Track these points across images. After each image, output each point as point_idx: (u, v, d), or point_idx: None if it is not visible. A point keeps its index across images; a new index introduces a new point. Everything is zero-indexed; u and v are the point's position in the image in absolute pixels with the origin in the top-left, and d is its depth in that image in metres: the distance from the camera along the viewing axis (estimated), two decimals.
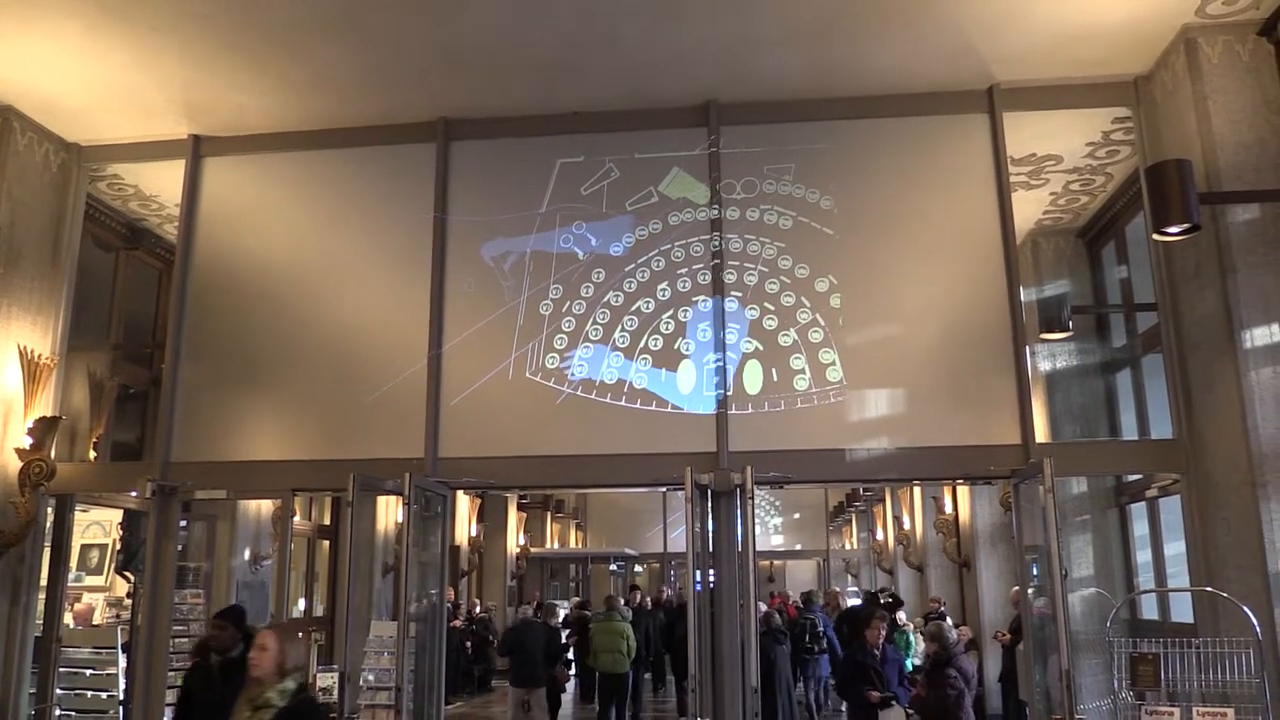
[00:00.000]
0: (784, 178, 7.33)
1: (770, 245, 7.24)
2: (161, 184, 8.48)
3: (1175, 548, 8.02)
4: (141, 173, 8.39)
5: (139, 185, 8.58)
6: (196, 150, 7.91)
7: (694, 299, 7.21)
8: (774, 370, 7.07)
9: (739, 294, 7.18)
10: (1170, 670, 5.74)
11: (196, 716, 5.34)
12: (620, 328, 7.22)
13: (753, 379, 7.05)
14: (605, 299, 7.28)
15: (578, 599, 18.92)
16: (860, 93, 7.31)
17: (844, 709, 9.66)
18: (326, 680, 9.83)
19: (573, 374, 7.18)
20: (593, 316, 7.27)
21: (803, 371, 7.05)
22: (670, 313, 7.22)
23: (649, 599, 15.50)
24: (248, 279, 7.72)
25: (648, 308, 7.24)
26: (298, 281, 7.66)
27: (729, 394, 7.02)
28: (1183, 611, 7.91)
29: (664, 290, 7.25)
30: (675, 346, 7.16)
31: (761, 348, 7.10)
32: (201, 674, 5.43)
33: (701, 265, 7.25)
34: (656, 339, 7.18)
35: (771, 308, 7.15)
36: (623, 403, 7.12)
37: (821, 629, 12.28)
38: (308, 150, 7.85)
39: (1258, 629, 5.52)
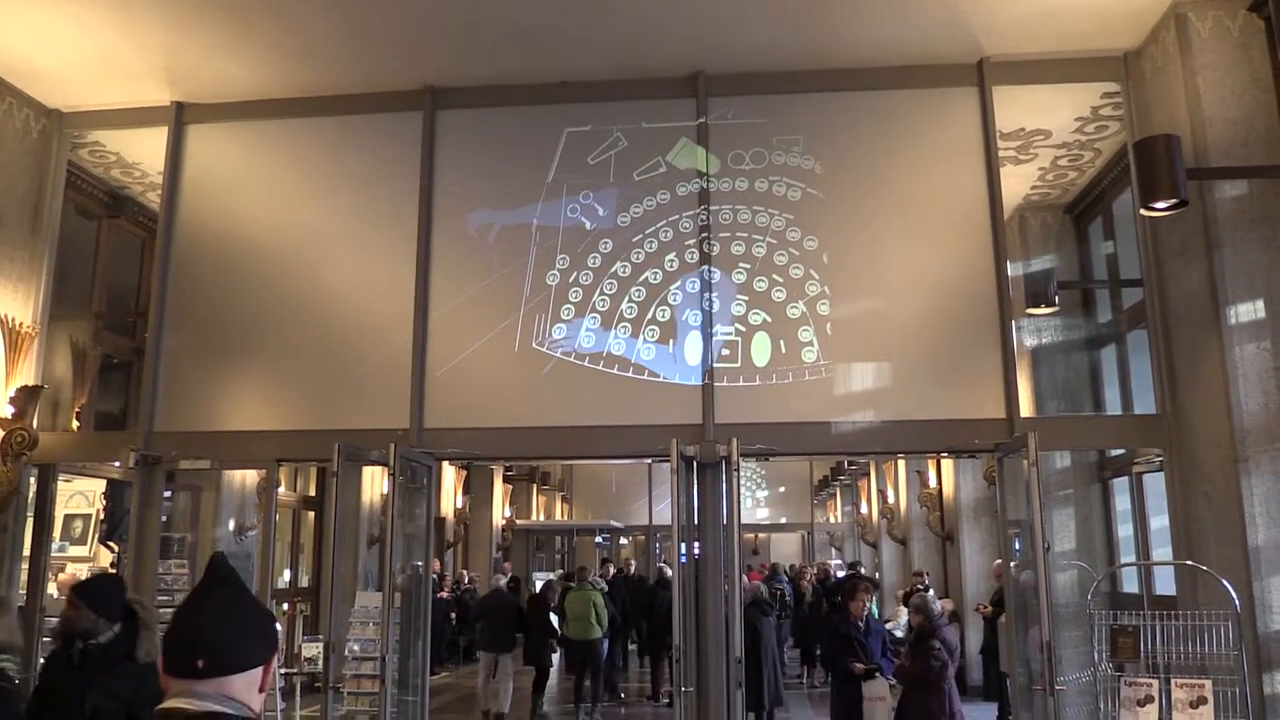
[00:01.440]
0: (792, 149, 7.28)
1: (763, 213, 7.20)
2: (144, 151, 8.38)
3: (1158, 522, 8.08)
4: (123, 140, 8.29)
5: (121, 152, 8.48)
6: (179, 117, 7.81)
7: (696, 270, 7.18)
8: (758, 342, 7.06)
9: (725, 268, 7.15)
10: (1150, 642, 5.81)
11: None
12: (620, 299, 7.18)
13: (747, 351, 7.03)
14: (585, 271, 7.24)
15: (562, 571, 19.01)
16: (850, 65, 7.27)
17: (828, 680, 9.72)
18: (311, 650, 9.88)
19: (571, 346, 7.15)
20: (580, 288, 7.23)
21: (788, 344, 7.04)
22: (660, 284, 7.18)
23: (620, 570, 15.78)
24: (232, 248, 7.65)
25: (655, 279, 7.20)
26: (282, 250, 7.60)
27: (714, 366, 7.01)
28: (1164, 585, 7.99)
29: (672, 262, 7.21)
30: (660, 317, 7.14)
31: (768, 319, 7.08)
32: (57, 666, 4.08)
33: (708, 237, 7.19)
34: (663, 309, 7.15)
35: (762, 280, 7.13)
36: (615, 370, 7.09)
37: (789, 598, 12.54)
38: (293, 118, 7.76)
39: (1236, 602, 5.58)
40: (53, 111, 7.88)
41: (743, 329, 7.08)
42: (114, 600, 4.13)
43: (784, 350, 7.03)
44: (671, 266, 7.20)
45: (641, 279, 7.20)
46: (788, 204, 7.22)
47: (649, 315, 7.15)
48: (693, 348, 7.06)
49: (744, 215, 7.22)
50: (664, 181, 7.31)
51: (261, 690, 1.88)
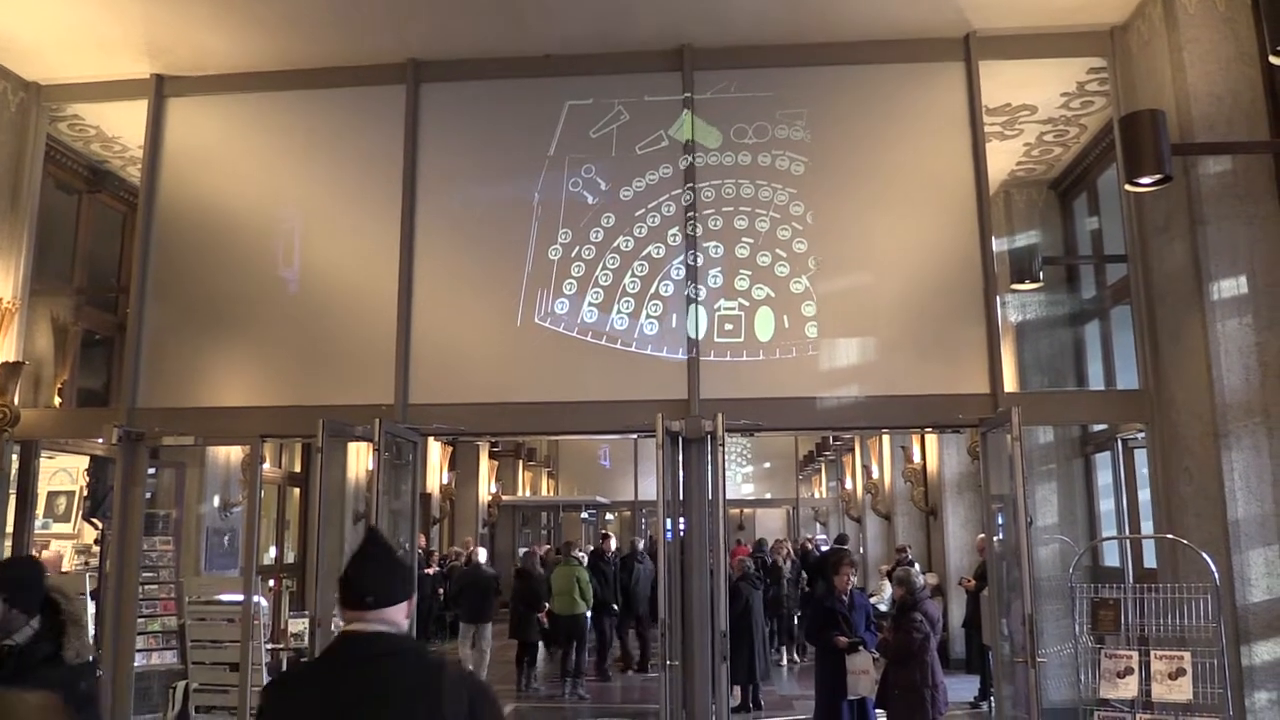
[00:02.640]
0: (795, 123, 7.25)
1: (748, 186, 7.18)
2: (124, 125, 8.27)
3: (1138, 496, 8.16)
4: (103, 113, 8.18)
5: (100, 126, 8.38)
6: (159, 90, 7.72)
7: (682, 246, 7.16)
8: (744, 317, 7.06)
9: (711, 242, 7.13)
10: (1130, 615, 5.87)
11: None
12: (620, 273, 7.15)
13: (731, 325, 7.03)
14: (586, 246, 7.22)
15: (549, 546, 19.08)
16: (836, 39, 7.23)
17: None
18: (298, 626, 9.89)
19: (557, 322, 7.13)
20: (572, 263, 7.21)
21: (774, 319, 7.04)
22: (651, 260, 7.16)
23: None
24: (214, 222, 7.58)
25: (656, 253, 7.18)
26: (265, 224, 7.53)
27: (699, 340, 7.00)
28: (1145, 558, 8.07)
29: (662, 242, 7.19)
30: (654, 291, 7.13)
31: (756, 293, 7.08)
32: None
33: (694, 215, 7.17)
34: (667, 285, 7.13)
35: (745, 252, 7.13)
36: (604, 342, 7.08)
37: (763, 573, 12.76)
38: (274, 91, 7.68)
39: (1215, 575, 5.65)
40: (31, 84, 7.77)
41: (733, 304, 7.07)
42: (30, 590, 3.48)
43: (770, 325, 7.03)
44: (661, 247, 7.17)
45: (640, 254, 7.17)
46: (775, 176, 7.19)
47: (634, 290, 7.13)
48: (682, 323, 7.04)
49: (728, 190, 7.19)
50: (665, 156, 7.26)
51: (406, 618, 2.69)
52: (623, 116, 7.37)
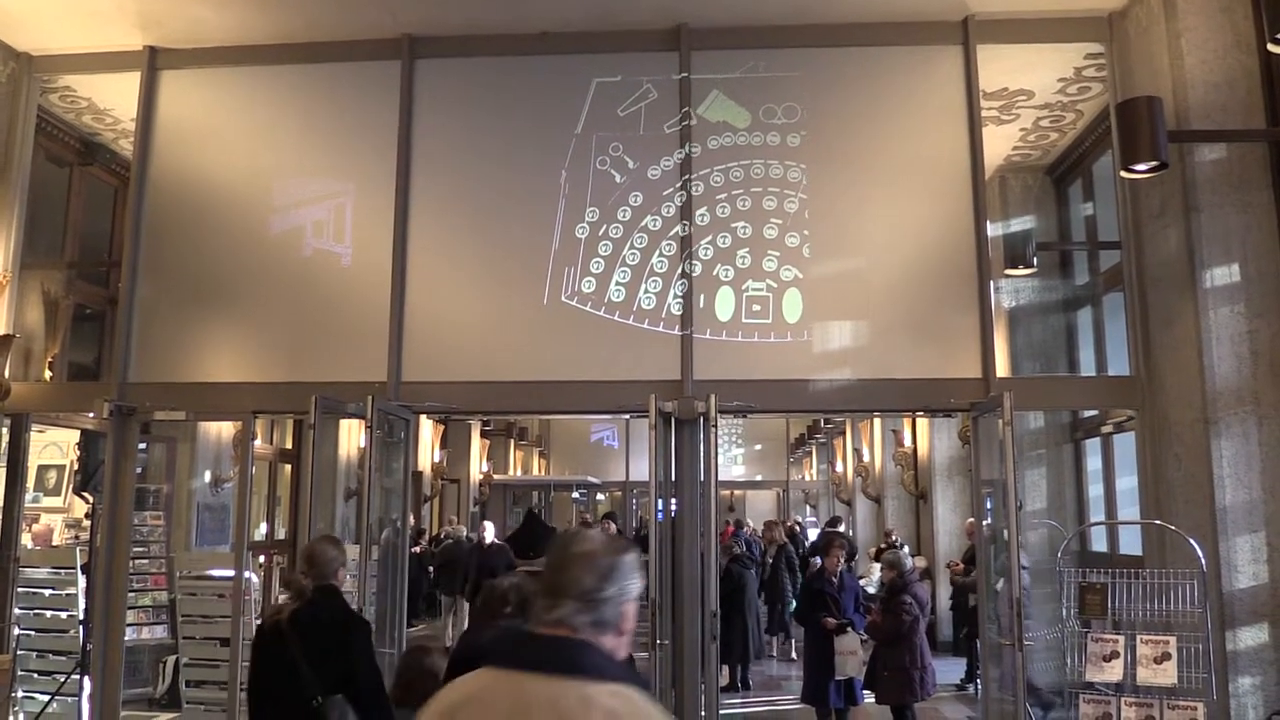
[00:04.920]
0: (780, 104, 7.22)
1: (736, 169, 7.17)
2: (116, 97, 8.21)
3: (1126, 483, 8.20)
4: (95, 85, 8.12)
5: (92, 98, 8.31)
6: (152, 62, 7.65)
7: (677, 224, 7.14)
8: (738, 299, 7.05)
9: (704, 224, 7.12)
10: (1117, 599, 5.91)
11: None
12: (617, 248, 7.13)
13: (724, 306, 7.01)
14: (581, 225, 7.19)
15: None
16: (834, 20, 7.20)
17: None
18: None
19: (545, 300, 7.12)
20: (571, 242, 7.19)
21: (767, 301, 7.04)
22: (649, 234, 7.15)
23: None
24: (206, 196, 7.53)
25: (651, 226, 7.16)
26: (258, 199, 7.49)
27: (693, 319, 7.00)
28: (1131, 544, 8.13)
29: (658, 213, 7.17)
30: (655, 268, 7.12)
31: (747, 275, 7.07)
32: None
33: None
34: (662, 262, 7.12)
35: (744, 236, 7.12)
36: (601, 313, 7.06)
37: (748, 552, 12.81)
38: (268, 65, 7.62)
39: (1202, 561, 5.69)
40: (21, 55, 7.70)
41: (761, 286, 7.06)
42: None
43: (759, 307, 7.02)
44: (658, 220, 7.15)
45: (637, 227, 7.14)
46: (769, 154, 7.17)
47: (634, 261, 7.12)
48: (672, 300, 7.04)
49: (717, 179, 7.17)
50: (664, 143, 7.23)
51: None
52: (650, 95, 7.33)
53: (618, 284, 7.10)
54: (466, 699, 1.98)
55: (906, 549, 11.65)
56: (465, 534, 13.93)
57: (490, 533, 13.32)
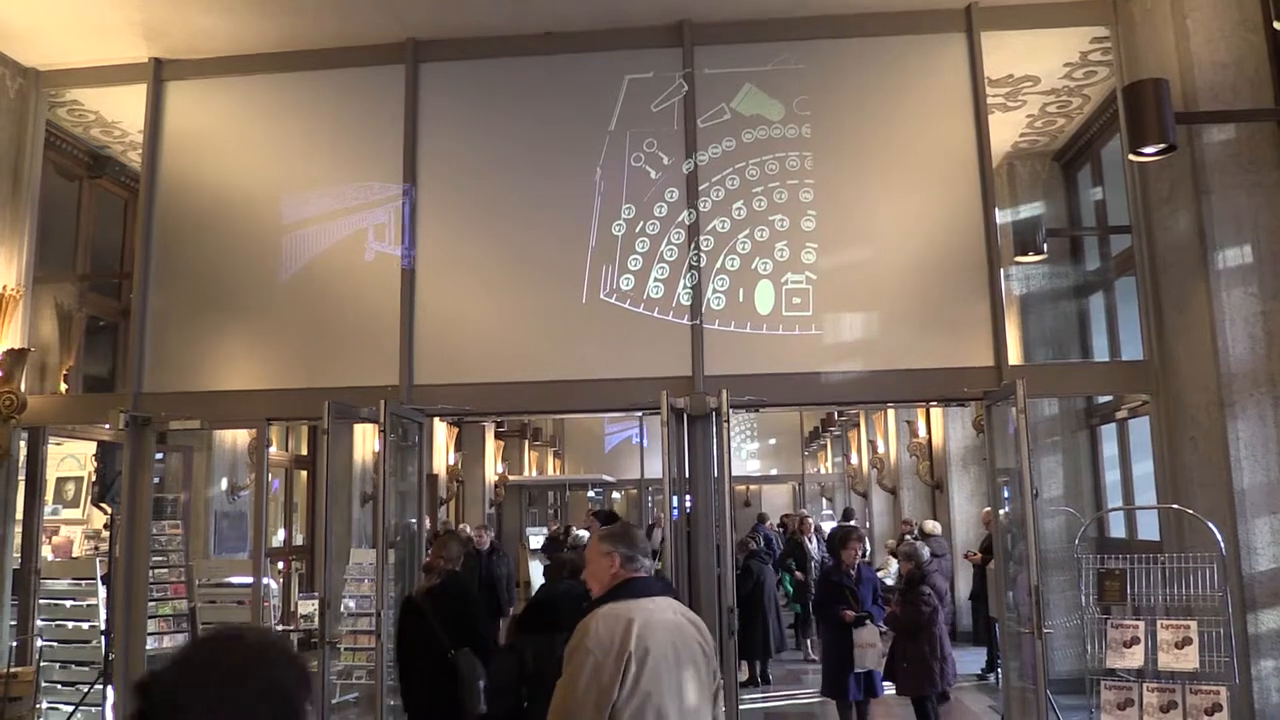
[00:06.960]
0: (798, 97, 7.21)
1: (746, 166, 7.16)
2: (123, 110, 8.26)
3: (1143, 468, 8.16)
4: (102, 98, 8.17)
5: (100, 111, 8.36)
6: (158, 74, 7.69)
7: (680, 215, 7.14)
8: (744, 291, 7.05)
9: (713, 216, 7.11)
10: (1136, 585, 5.88)
11: None
12: (626, 245, 7.14)
13: (764, 300, 7.00)
14: (581, 221, 7.20)
15: (557, 525, 19.17)
16: (837, 11, 7.18)
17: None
18: (307, 608, 9.95)
19: (553, 301, 7.13)
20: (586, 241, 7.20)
21: (778, 294, 7.03)
22: (658, 226, 7.15)
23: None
24: (215, 206, 7.57)
25: (654, 227, 7.16)
26: (267, 207, 7.52)
27: (703, 313, 7.00)
28: (1149, 529, 8.09)
29: (661, 208, 7.17)
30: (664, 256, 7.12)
31: (761, 268, 7.06)
32: None
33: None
34: (671, 250, 7.12)
35: (749, 228, 7.11)
36: (614, 301, 7.07)
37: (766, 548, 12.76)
38: (273, 73, 7.65)
39: (1221, 544, 5.65)
40: (29, 70, 7.75)
41: (730, 275, 7.06)
42: None
43: (773, 300, 7.02)
44: (664, 206, 7.15)
45: (642, 222, 7.15)
46: (776, 147, 7.15)
47: (643, 248, 7.12)
48: (684, 292, 7.03)
49: (725, 173, 7.16)
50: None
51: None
52: (676, 90, 7.33)
53: (628, 271, 7.10)
54: (643, 608, 3.09)
55: (933, 524, 11.60)
56: (467, 532, 13.69)
57: (489, 539, 13.00)
